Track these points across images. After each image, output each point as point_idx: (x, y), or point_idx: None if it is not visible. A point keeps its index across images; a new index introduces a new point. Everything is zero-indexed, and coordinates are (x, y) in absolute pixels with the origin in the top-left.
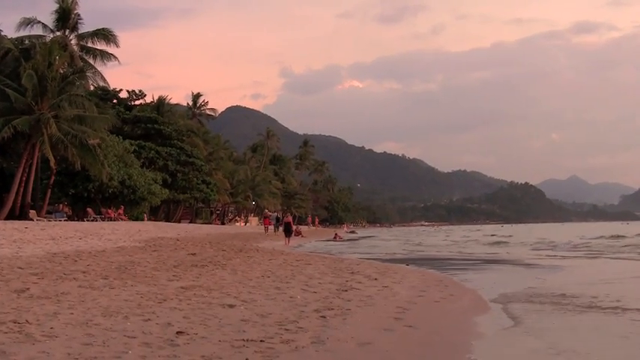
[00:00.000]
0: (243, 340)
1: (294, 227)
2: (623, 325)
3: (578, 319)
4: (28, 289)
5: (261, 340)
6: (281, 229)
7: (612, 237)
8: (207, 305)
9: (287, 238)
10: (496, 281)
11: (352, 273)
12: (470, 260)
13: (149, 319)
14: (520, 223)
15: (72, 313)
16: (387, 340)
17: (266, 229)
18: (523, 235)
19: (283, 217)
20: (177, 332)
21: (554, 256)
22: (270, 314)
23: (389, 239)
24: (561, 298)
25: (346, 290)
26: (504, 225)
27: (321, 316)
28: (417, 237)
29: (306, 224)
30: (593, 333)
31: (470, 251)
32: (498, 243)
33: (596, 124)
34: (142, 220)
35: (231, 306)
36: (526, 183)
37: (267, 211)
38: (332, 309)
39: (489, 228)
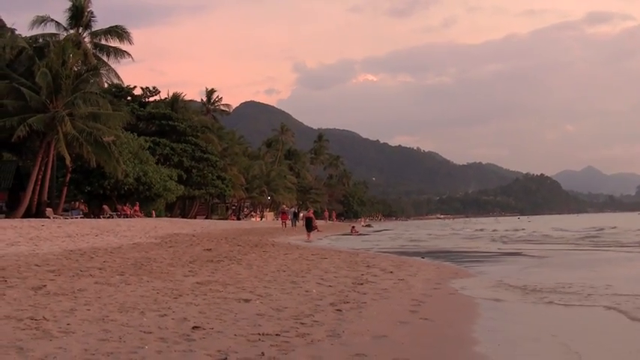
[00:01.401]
0: (259, 334)
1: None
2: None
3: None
4: (44, 286)
5: (276, 334)
6: (298, 223)
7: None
8: (222, 300)
9: (308, 233)
10: (509, 273)
11: (368, 266)
12: (486, 252)
13: (165, 315)
14: (535, 214)
15: (88, 310)
16: (402, 333)
17: (284, 224)
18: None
19: (298, 212)
20: (193, 327)
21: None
22: (285, 308)
23: (405, 232)
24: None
25: (362, 284)
26: (520, 217)
27: (337, 310)
28: (433, 230)
29: (323, 219)
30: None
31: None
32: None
33: (611, 114)
34: (161, 216)
35: (246, 300)
36: (541, 174)
37: (284, 206)
38: (347, 302)
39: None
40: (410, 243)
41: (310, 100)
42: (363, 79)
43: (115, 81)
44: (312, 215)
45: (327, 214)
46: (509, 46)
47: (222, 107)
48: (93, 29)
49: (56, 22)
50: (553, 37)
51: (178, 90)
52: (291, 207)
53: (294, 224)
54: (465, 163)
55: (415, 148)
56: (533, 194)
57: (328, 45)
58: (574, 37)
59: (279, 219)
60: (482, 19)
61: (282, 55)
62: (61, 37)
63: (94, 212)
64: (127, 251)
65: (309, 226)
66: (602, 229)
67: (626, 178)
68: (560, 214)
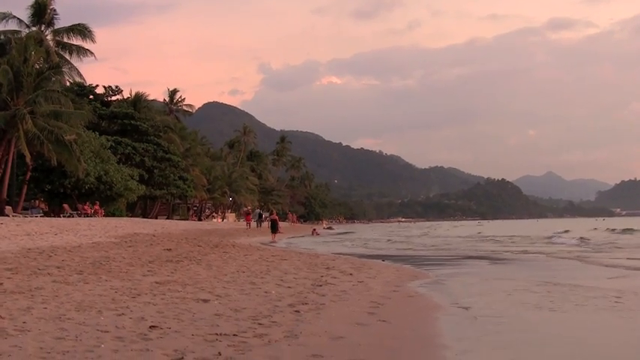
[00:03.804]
0: (217, 334)
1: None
2: None
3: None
4: (1, 284)
5: (234, 334)
6: (263, 224)
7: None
8: (181, 300)
9: (273, 234)
10: (470, 277)
11: (328, 268)
12: (447, 256)
13: (123, 314)
14: (496, 219)
15: (45, 308)
16: (360, 334)
17: (248, 225)
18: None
19: (261, 214)
20: (151, 326)
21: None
22: (244, 309)
23: (367, 235)
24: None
25: (321, 285)
26: (481, 221)
27: (295, 311)
28: (396, 233)
29: (288, 220)
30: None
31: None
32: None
33: (573, 120)
34: (122, 216)
35: (205, 301)
36: (502, 179)
37: (249, 207)
38: (306, 304)
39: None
40: (371, 245)
41: (274, 101)
42: (327, 81)
43: (78, 79)
44: (276, 217)
45: (291, 216)
46: (473, 50)
47: (184, 107)
48: (55, 27)
49: (18, 18)
50: (516, 42)
51: (142, 89)
52: (257, 208)
53: (259, 225)
54: (427, 167)
55: (378, 151)
56: (494, 199)
57: (295, 46)
58: (537, 42)
59: (244, 220)
60: (445, 23)
61: (247, 56)
62: (23, 35)
63: (54, 211)
64: (87, 250)
65: (275, 228)
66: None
67: (586, 184)
68: (520, 218)
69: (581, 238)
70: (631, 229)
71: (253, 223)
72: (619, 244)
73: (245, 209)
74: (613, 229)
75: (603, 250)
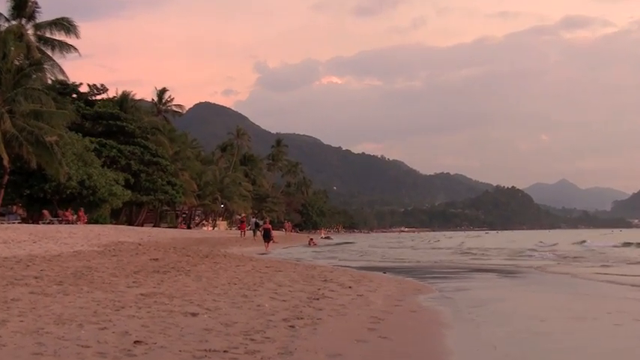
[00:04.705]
0: (206, 350)
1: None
2: None
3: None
4: None
5: (224, 351)
6: (258, 234)
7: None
8: (168, 313)
9: (266, 243)
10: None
11: (325, 281)
12: (453, 268)
13: (105, 328)
14: (506, 229)
15: (22, 321)
16: (358, 351)
17: (242, 233)
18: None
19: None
20: (135, 342)
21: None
22: (235, 323)
23: (367, 245)
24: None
25: (318, 299)
26: (489, 231)
27: (290, 326)
28: (399, 243)
29: (283, 229)
30: None
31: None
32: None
33: (588, 125)
34: (106, 223)
35: (193, 314)
36: (513, 187)
37: (244, 214)
38: (302, 318)
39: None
40: (371, 257)
41: (270, 102)
42: (327, 81)
43: (60, 77)
44: (269, 226)
45: (287, 224)
46: (482, 50)
47: (174, 108)
48: (37, 21)
49: None
50: (528, 41)
51: (129, 88)
52: (253, 216)
53: (255, 234)
54: (433, 174)
55: (380, 156)
56: (503, 208)
57: (292, 44)
58: (550, 42)
59: (238, 228)
60: (452, 21)
61: (243, 54)
62: (2, 29)
63: (33, 217)
64: (67, 259)
65: (268, 237)
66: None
67: (602, 192)
68: (531, 229)
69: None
70: None
71: (249, 232)
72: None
73: (239, 217)
74: (628, 243)
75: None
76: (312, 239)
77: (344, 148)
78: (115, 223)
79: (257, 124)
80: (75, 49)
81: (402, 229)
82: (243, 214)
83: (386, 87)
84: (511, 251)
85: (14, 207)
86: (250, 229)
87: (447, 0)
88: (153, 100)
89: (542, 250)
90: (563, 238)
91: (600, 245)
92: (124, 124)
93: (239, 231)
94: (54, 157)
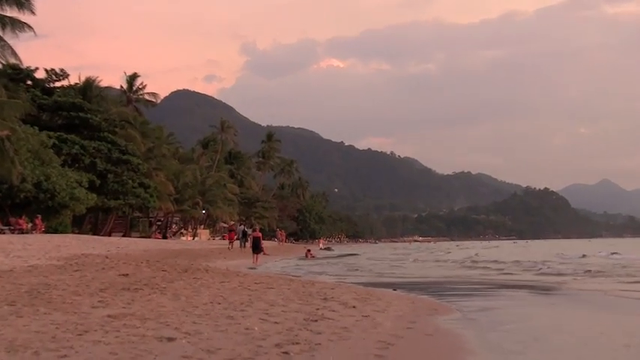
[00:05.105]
0: None
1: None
2: None
3: None
4: None
5: None
6: (248, 244)
7: None
8: (140, 338)
9: (255, 256)
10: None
11: (325, 299)
12: (476, 284)
13: (65, 356)
14: (537, 238)
15: None
16: None
17: (231, 244)
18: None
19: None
20: None
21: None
22: (219, 349)
23: (364, 258)
24: None
25: (316, 320)
26: (517, 241)
27: (284, 352)
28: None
29: (276, 239)
30: None
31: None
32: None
33: (635, 115)
34: (67, 232)
35: (170, 339)
36: (545, 189)
37: (232, 222)
38: (297, 343)
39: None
40: (379, 271)
41: (260, 90)
42: (327, 64)
43: (12, 60)
44: (259, 235)
45: (280, 233)
46: (509, 27)
47: (147, 97)
48: None
49: None
50: (564, 17)
51: (94, 74)
52: (240, 223)
53: (242, 245)
54: (451, 173)
55: (389, 152)
56: (534, 213)
57: (285, 21)
58: (590, 18)
59: (226, 238)
60: None
61: (227, 33)
62: None
63: None
64: (21, 275)
65: (257, 248)
66: None
67: None
68: (567, 237)
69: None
70: None
71: (236, 243)
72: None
73: (227, 225)
74: None
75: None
76: (309, 251)
77: (347, 144)
78: (78, 233)
79: (245, 115)
80: (29, 27)
81: (416, 238)
82: (231, 222)
83: (396, 71)
84: (519, 264)
85: None
86: (238, 239)
87: None
88: (122, 87)
89: (554, 263)
90: (598, 249)
91: (633, 258)
92: (88, 115)
93: (226, 241)
94: (5, 155)
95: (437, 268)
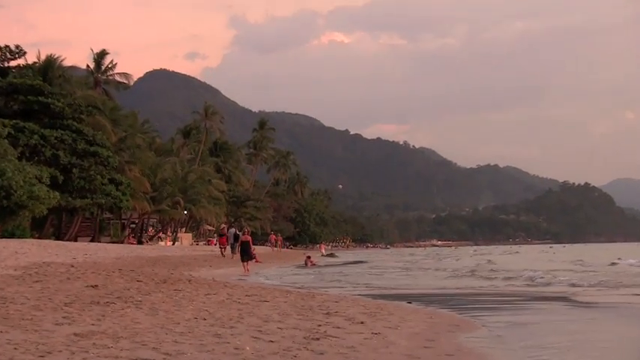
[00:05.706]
0: None
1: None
2: None
3: None
4: None
5: None
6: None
7: None
8: None
9: (245, 264)
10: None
11: (328, 314)
12: (505, 295)
13: None
14: (576, 242)
15: None
16: None
17: (222, 250)
18: None
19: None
20: None
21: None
22: None
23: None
24: None
25: (318, 339)
26: (553, 245)
27: None
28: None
29: (270, 244)
30: None
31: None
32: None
33: None
34: (25, 237)
35: None
36: (586, 184)
37: (224, 225)
38: None
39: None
40: (391, 281)
41: (251, 69)
42: (329, 39)
43: None
44: (249, 239)
45: (274, 237)
46: None
47: (118, 78)
48: None
49: None
50: None
51: (56, 51)
52: (230, 226)
53: (234, 251)
54: (475, 166)
55: (402, 142)
56: (573, 213)
57: None
58: None
59: (217, 243)
60: None
61: (213, 3)
62: None
63: None
64: None
65: (247, 254)
66: None
67: None
68: (612, 241)
69: None
70: None
71: (229, 248)
72: None
73: (220, 228)
74: None
75: None
76: (309, 258)
77: (352, 132)
78: (39, 237)
79: (233, 99)
80: None
81: (434, 242)
82: (223, 225)
83: (410, 47)
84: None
85: None
86: (230, 244)
87: None
88: (88, 67)
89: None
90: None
91: None
92: (49, 100)
93: (211, 246)
94: None
95: (423, 277)
